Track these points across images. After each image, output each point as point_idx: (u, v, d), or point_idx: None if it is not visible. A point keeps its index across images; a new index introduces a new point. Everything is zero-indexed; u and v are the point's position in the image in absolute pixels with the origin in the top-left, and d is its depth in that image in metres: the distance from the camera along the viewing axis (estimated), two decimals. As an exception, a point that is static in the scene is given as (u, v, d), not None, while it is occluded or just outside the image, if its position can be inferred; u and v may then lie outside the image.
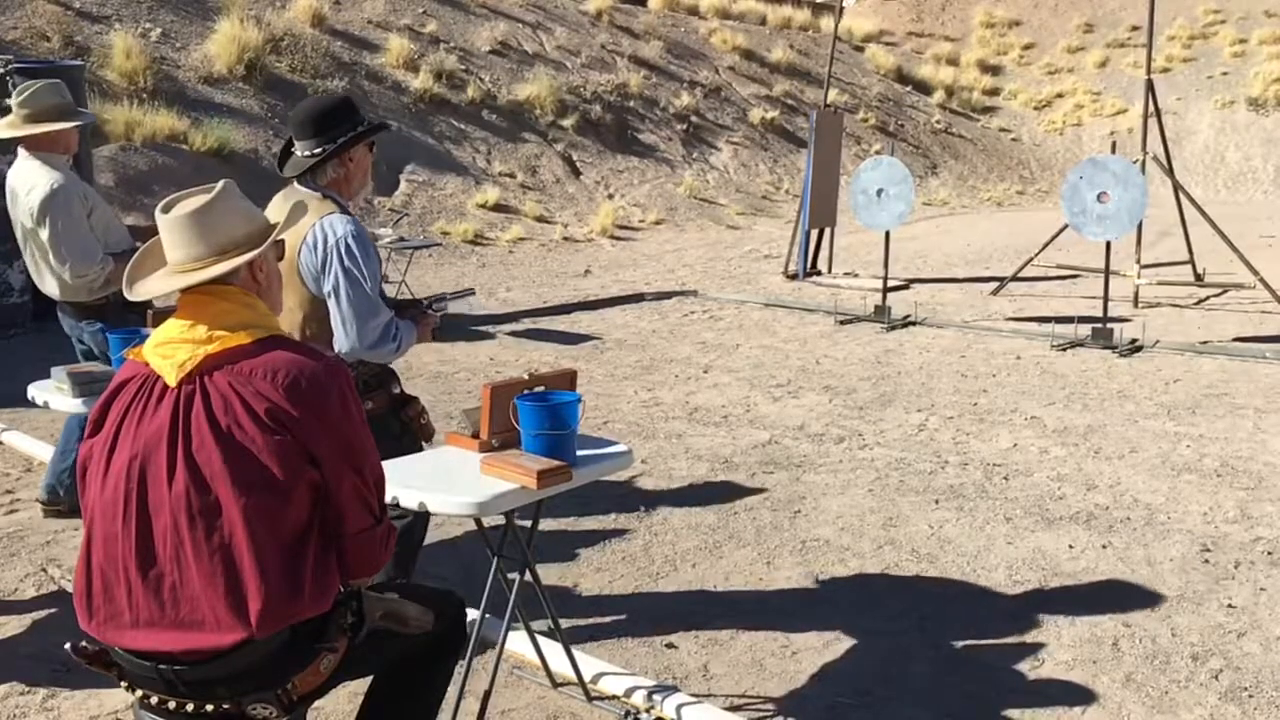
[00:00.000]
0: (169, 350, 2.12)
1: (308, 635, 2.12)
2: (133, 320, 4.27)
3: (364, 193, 3.42)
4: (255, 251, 2.20)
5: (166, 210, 2.21)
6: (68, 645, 2.15)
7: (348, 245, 3.16)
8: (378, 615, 2.27)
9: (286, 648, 2.09)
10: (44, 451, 5.31)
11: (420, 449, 3.40)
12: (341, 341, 3.18)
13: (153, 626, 2.05)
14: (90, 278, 4.33)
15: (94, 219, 4.40)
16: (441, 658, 2.49)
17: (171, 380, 2.09)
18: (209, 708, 2.09)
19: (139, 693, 2.13)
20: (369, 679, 2.48)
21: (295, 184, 3.31)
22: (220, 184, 2.25)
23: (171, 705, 2.10)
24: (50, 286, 4.48)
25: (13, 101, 4.41)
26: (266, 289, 2.27)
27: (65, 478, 4.72)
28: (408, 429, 3.41)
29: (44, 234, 4.32)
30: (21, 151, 4.43)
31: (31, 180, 4.35)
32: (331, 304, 3.18)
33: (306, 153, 3.25)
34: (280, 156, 3.38)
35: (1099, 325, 8.58)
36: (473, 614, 3.37)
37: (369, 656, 2.32)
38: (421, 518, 3.41)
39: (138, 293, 2.25)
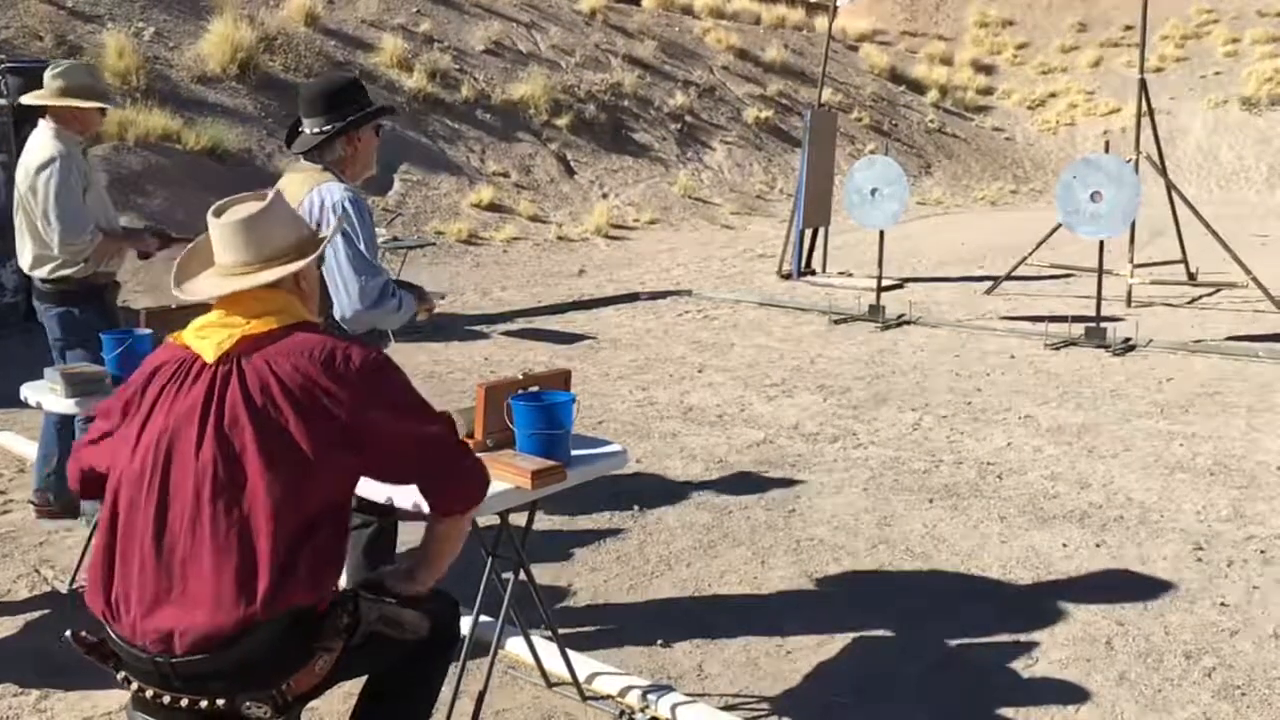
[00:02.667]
0: (207, 332, 2.19)
1: (304, 634, 2.12)
2: (93, 309, 4.40)
3: (366, 174, 3.43)
4: (303, 262, 2.28)
5: (219, 214, 2.27)
6: (67, 633, 2.15)
7: (344, 208, 3.17)
8: (374, 618, 2.27)
9: (283, 644, 2.08)
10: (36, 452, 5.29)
11: None
12: (343, 304, 3.14)
13: (157, 604, 2.06)
14: (78, 247, 4.34)
15: (89, 197, 4.42)
16: (435, 659, 2.48)
17: (210, 357, 2.15)
18: (203, 704, 2.08)
19: (134, 685, 2.13)
20: (363, 679, 2.47)
21: (300, 160, 3.34)
22: (271, 192, 2.32)
23: (166, 700, 2.09)
24: (26, 258, 4.50)
25: (47, 74, 4.49)
26: (309, 295, 2.36)
27: (51, 481, 4.71)
28: None
29: (38, 197, 4.35)
30: (41, 122, 4.49)
31: (38, 145, 4.43)
32: (329, 268, 3.13)
33: (314, 130, 3.27)
34: (288, 134, 3.41)
35: (1092, 324, 8.60)
36: (467, 615, 3.38)
37: (364, 659, 2.31)
38: (392, 523, 3.40)
39: (186, 292, 2.31)
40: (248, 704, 2.09)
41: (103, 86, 4.62)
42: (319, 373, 2.12)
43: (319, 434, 2.10)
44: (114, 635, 2.12)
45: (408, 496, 2.77)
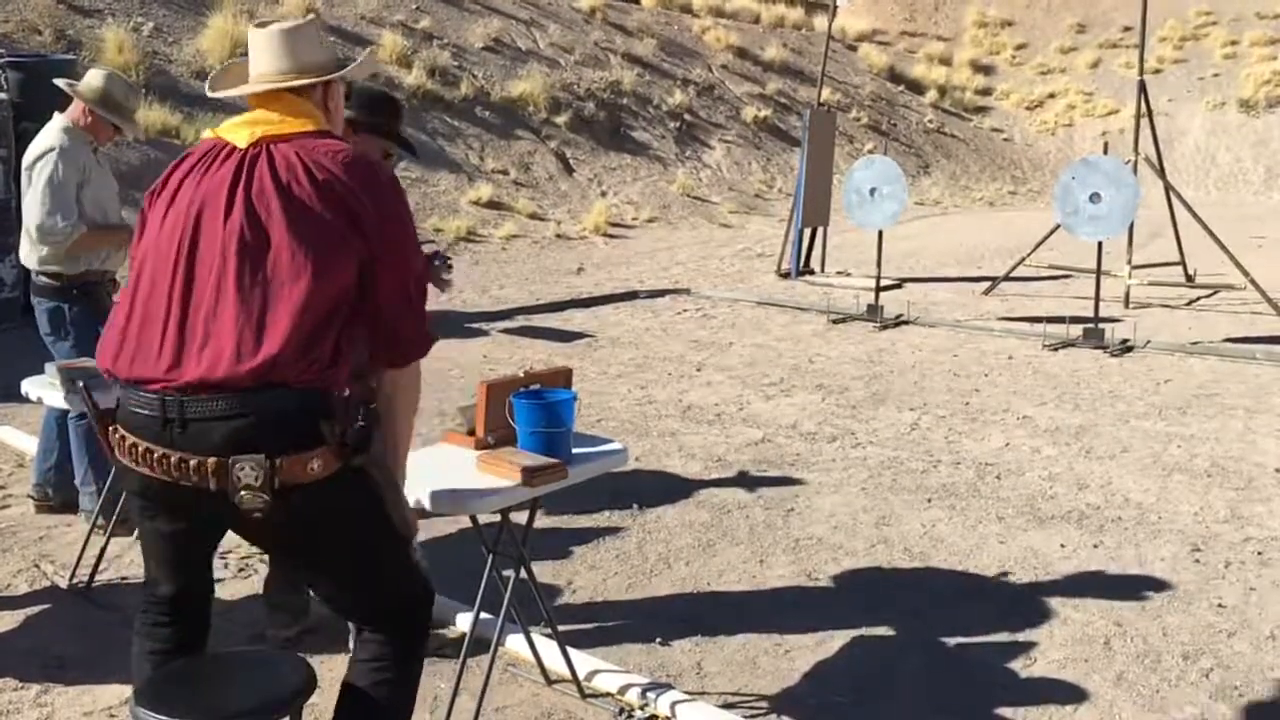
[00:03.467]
0: (241, 127, 2.30)
1: (312, 413, 2.11)
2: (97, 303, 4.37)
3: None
4: (335, 74, 2.43)
5: (262, 26, 2.42)
6: (80, 384, 2.32)
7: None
8: (379, 470, 2.27)
9: (289, 413, 2.10)
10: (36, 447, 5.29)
11: None
12: None
13: (178, 357, 2.12)
14: (55, 237, 4.32)
15: (85, 193, 4.40)
16: (413, 653, 2.41)
17: (242, 143, 2.25)
18: (193, 464, 2.07)
19: (129, 441, 2.15)
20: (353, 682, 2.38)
21: None
22: (309, 15, 2.42)
23: (157, 455, 2.10)
24: (25, 249, 4.50)
25: (98, 73, 4.51)
26: (335, 118, 2.47)
27: (51, 476, 4.71)
28: None
29: (29, 185, 4.36)
30: (57, 115, 4.49)
31: (43, 136, 4.44)
32: None
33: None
34: None
35: (1090, 325, 8.61)
36: (467, 612, 3.38)
37: (341, 519, 2.21)
38: None
39: (216, 92, 2.51)
40: (240, 465, 2.05)
41: (135, 108, 4.64)
42: (344, 173, 2.21)
43: (339, 219, 2.17)
44: (123, 388, 2.18)
45: (408, 494, 2.76)
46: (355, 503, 2.23)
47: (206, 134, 2.37)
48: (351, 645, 2.43)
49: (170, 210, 2.25)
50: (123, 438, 2.18)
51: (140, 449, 2.14)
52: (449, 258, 3.62)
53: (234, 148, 2.26)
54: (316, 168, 2.20)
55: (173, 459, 2.09)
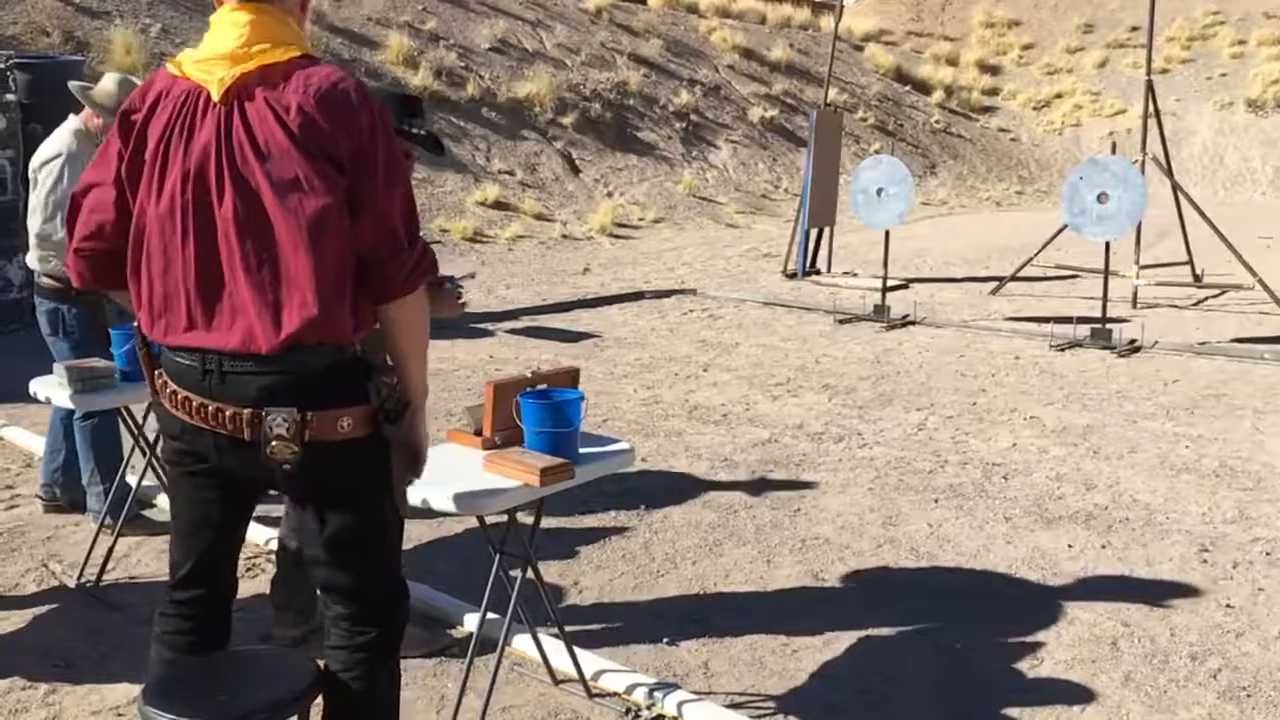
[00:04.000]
0: (210, 67, 2.18)
1: (345, 372, 2.20)
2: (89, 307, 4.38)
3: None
4: None
5: None
6: (135, 339, 2.35)
7: None
8: (397, 448, 2.28)
9: (323, 370, 2.17)
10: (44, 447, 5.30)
11: None
12: None
13: (205, 332, 2.18)
14: (55, 238, 4.29)
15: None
16: (392, 652, 2.40)
17: (215, 92, 2.16)
18: (229, 413, 2.16)
19: (170, 387, 2.24)
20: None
21: None
22: None
23: (196, 403, 2.19)
24: (34, 256, 4.50)
25: (115, 78, 4.51)
26: (303, 20, 2.35)
27: (59, 476, 4.72)
28: None
29: (35, 187, 4.36)
30: (71, 117, 4.49)
31: (53, 140, 4.43)
32: None
33: None
34: None
35: (1098, 325, 8.59)
36: (474, 612, 3.39)
37: (358, 495, 2.26)
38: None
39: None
40: (273, 415, 2.13)
41: None
42: (316, 110, 2.12)
43: (320, 166, 2.12)
44: (166, 349, 2.25)
45: (415, 494, 2.76)
46: (374, 472, 2.28)
47: (171, 67, 2.25)
48: (328, 640, 2.40)
49: (164, 178, 2.19)
50: (165, 383, 2.28)
51: (180, 396, 2.23)
52: (460, 285, 3.57)
53: (208, 98, 2.16)
54: (289, 117, 2.12)
55: (210, 408, 2.18)
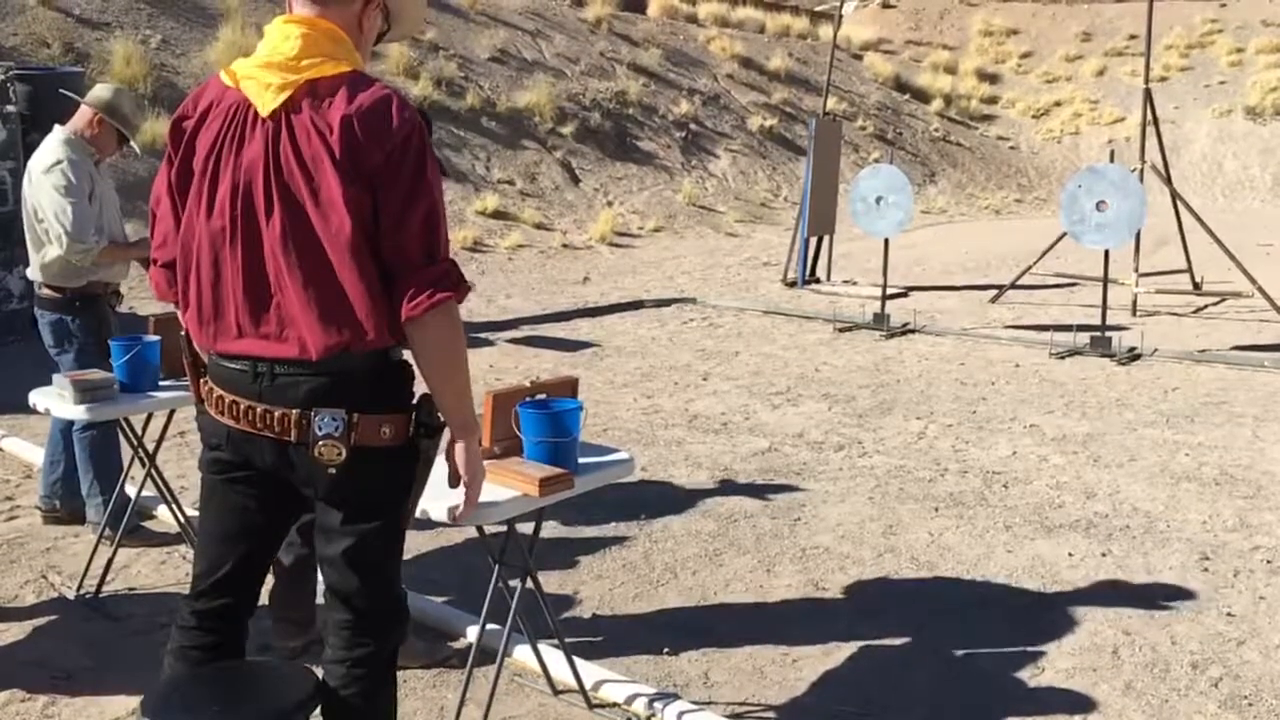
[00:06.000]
0: (263, 75, 2.20)
1: (388, 379, 2.25)
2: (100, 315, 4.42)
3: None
4: None
5: None
6: (184, 343, 2.38)
7: None
8: (423, 465, 2.32)
9: (369, 374, 2.21)
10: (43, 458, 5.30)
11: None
12: None
13: (255, 339, 2.21)
14: (86, 247, 4.29)
15: (94, 204, 4.39)
16: (390, 663, 2.40)
17: (265, 110, 2.18)
18: (276, 414, 2.19)
19: (216, 393, 2.26)
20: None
21: None
22: None
23: (243, 406, 2.21)
24: (34, 267, 4.49)
25: (106, 88, 4.54)
26: (364, 43, 2.35)
27: (59, 488, 4.72)
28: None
29: (43, 198, 4.31)
30: (57, 127, 4.48)
31: (45, 149, 4.41)
32: None
33: None
34: None
35: (1097, 333, 8.59)
36: (474, 622, 3.38)
37: (384, 503, 2.30)
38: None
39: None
40: (321, 416, 2.17)
41: (132, 118, 4.64)
42: (359, 126, 2.13)
43: (359, 187, 2.13)
44: (214, 357, 2.29)
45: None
46: (401, 483, 2.31)
47: (224, 76, 2.25)
48: (326, 654, 2.39)
49: (214, 191, 2.22)
50: (210, 389, 2.30)
51: (227, 401, 2.25)
52: None
53: (257, 114, 2.18)
54: (332, 137, 2.13)
55: (258, 410, 2.21)
